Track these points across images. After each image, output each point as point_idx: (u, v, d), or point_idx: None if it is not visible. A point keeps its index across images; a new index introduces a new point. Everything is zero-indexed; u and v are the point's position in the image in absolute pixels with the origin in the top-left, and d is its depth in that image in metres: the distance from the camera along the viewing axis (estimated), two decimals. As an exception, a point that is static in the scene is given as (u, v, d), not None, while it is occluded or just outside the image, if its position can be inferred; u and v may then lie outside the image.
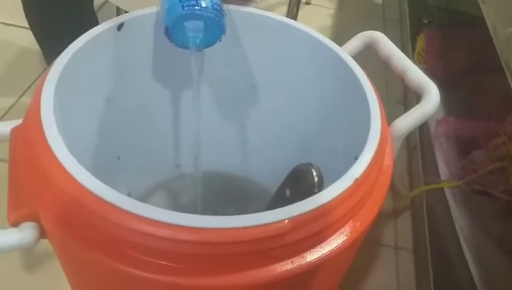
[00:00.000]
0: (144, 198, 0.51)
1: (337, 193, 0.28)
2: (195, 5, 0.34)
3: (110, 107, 0.43)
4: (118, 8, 0.82)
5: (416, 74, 0.39)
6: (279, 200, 0.36)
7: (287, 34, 0.43)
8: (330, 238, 0.29)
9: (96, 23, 0.80)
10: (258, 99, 0.48)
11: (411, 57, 0.89)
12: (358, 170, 0.30)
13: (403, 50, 1.00)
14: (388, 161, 0.34)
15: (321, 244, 0.28)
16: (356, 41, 0.42)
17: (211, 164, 0.54)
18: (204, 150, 0.52)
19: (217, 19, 0.35)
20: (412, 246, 0.71)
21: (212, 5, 0.35)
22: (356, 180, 0.29)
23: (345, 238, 0.29)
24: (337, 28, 1.14)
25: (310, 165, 0.33)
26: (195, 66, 0.38)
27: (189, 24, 0.35)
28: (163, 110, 0.47)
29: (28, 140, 0.32)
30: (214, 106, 0.49)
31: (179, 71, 0.43)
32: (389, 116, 0.38)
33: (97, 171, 0.43)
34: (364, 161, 0.31)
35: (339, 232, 0.29)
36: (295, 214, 0.27)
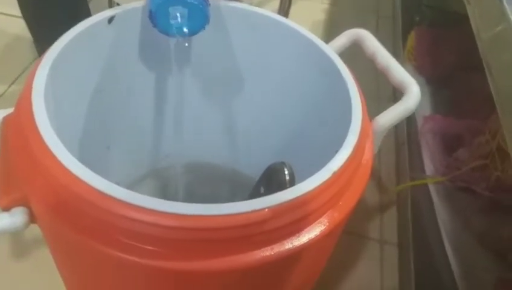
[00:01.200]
0: (131, 188, 0.52)
1: (315, 184, 0.30)
2: None
3: (101, 97, 0.43)
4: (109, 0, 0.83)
5: (398, 72, 0.40)
6: (255, 197, 0.38)
7: (275, 30, 0.44)
8: (309, 227, 0.30)
9: (89, 14, 0.80)
10: (245, 92, 0.49)
11: (402, 55, 0.90)
12: (336, 163, 0.31)
13: (394, 47, 1.02)
14: (368, 155, 0.36)
15: (300, 233, 0.30)
16: (343, 39, 0.44)
17: (199, 154, 0.55)
18: (192, 140, 0.53)
19: (201, 6, 0.36)
20: (397, 240, 0.73)
21: None
22: (334, 173, 0.31)
23: (323, 227, 0.30)
24: (330, 23, 1.15)
25: (283, 164, 0.34)
26: (174, 54, 0.39)
27: (173, 10, 0.36)
28: (153, 101, 0.48)
29: (19, 128, 0.32)
30: (201, 96, 0.50)
31: (168, 63, 0.44)
32: (379, 113, 0.39)
33: (86, 160, 0.44)
34: (343, 154, 0.32)
35: (317, 221, 0.31)
36: (275, 203, 0.28)
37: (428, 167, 0.70)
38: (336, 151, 0.36)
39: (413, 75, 0.91)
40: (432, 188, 0.67)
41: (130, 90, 0.46)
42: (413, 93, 0.39)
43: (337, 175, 0.31)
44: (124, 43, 0.42)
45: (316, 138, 0.44)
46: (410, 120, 0.76)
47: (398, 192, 0.73)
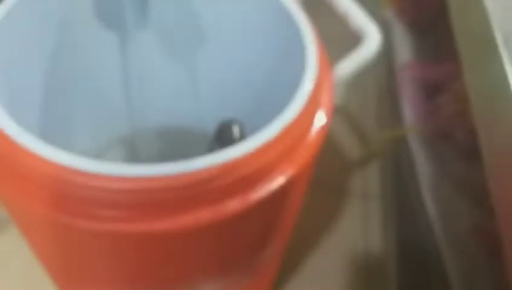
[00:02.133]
0: (99, 157, 0.51)
1: (264, 138, 0.28)
2: None
3: (55, 63, 0.42)
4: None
5: (357, 17, 0.38)
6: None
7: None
8: (260, 184, 0.29)
9: None
10: (209, 51, 0.47)
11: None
12: (287, 115, 0.30)
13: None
14: (327, 105, 0.34)
15: (253, 188, 0.29)
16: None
17: (167, 118, 0.54)
18: (159, 103, 0.52)
19: None
20: (380, 192, 0.73)
21: None
22: (285, 126, 0.29)
23: (276, 183, 0.30)
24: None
25: (232, 121, 0.33)
26: (131, 13, 0.37)
27: None
28: (114, 64, 0.46)
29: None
30: (164, 56, 0.48)
31: (126, 23, 0.42)
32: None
33: (49, 133, 0.44)
34: (295, 105, 0.30)
35: (268, 177, 0.30)
36: (224, 159, 0.27)
37: (410, 116, 0.68)
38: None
39: (394, 21, 0.88)
40: (413, 138, 0.66)
41: (88, 54, 0.44)
42: (372, 38, 0.37)
43: (288, 128, 0.30)
44: (78, 2, 0.40)
45: (280, 95, 0.43)
46: (390, 70, 0.74)
47: (380, 143, 0.72)
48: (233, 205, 0.28)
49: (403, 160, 0.68)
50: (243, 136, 0.33)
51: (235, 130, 0.32)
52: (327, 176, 0.73)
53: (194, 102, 0.53)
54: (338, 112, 0.79)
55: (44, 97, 0.43)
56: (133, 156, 0.55)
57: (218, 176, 0.27)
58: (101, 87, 0.48)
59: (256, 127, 0.49)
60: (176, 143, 0.56)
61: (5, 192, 0.28)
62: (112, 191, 0.26)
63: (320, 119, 0.33)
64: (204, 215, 0.28)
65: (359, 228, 0.69)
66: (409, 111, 0.68)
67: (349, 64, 0.37)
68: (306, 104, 0.31)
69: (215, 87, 0.51)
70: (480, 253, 0.53)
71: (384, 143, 0.70)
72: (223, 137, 0.34)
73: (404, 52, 0.77)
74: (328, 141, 0.76)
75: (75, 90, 0.46)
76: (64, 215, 0.27)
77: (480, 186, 0.58)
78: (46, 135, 0.43)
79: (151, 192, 0.26)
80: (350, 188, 0.73)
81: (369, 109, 0.79)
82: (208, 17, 0.46)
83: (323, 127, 0.33)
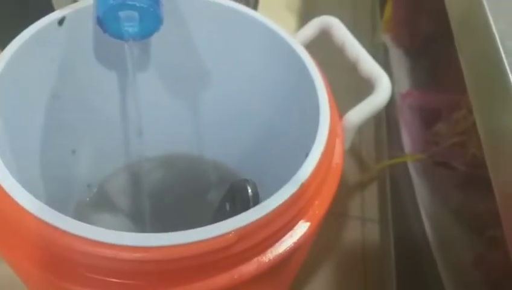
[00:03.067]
0: (103, 187, 0.51)
1: (282, 199, 0.29)
2: None
3: (58, 102, 0.41)
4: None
5: (368, 63, 0.39)
6: (220, 214, 0.37)
7: (239, 22, 0.41)
8: (276, 244, 0.29)
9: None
10: (212, 87, 0.47)
11: (380, 26, 0.88)
12: (304, 174, 0.30)
13: (373, 18, 0.99)
14: (338, 156, 0.34)
15: (267, 251, 0.29)
16: (309, 29, 0.41)
17: (168, 147, 0.53)
18: (160, 137, 0.52)
19: (151, 9, 0.34)
20: (378, 217, 0.73)
21: None
22: (302, 185, 0.30)
23: (291, 242, 0.30)
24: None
25: (246, 181, 0.33)
26: (131, 55, 0.37)
27: (123, 14, 0.34)
28: (117, 102, 0.46)
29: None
30: (166, 94, 0.48)
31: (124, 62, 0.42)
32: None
33: (52, 168, 0.43)
34: (310, 163, 0.31)
35: (285, 237, 0.30)
36: (240, 225, 0.27)
37: (407, 143, 0.69)
38: (306, 155, 0.35)
39: (391, 47, 0.89)
40: (411, 165, 0.67)
41: (91, 93, 0.43)
42: (383, 87, 0.37)
43: (305, 186, 0.30)
44: (79, 44, 0.39)
45: (285, 136, 0.43)
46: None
47: (379, 170, 0.72)
48: (249, 269, 0.28)
49: (402, 185, 0.68)
50: (256, 196, 0.33)
51: (249, 190, 0.33)
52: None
53: (196, 134, 0.53)
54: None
55: (47, 134, 0.42)
56: (136, 184, 0.55)
57: (234, 243, 0.27)
58: (103, 121, 0.48)
59: (259, 165, 0.49)
60: (178, 172, 0.56)
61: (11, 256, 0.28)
62: (122, 261, 0.26)
63: (334, 171, 0.34)
64: (218, 282, 0.27)
65: (357, 250, 0.70)
66: (407, 138, 0.69)
67: (361, 112, 0.37)
68: (320, 159, 0.31)
69: (216, 123, 0.51)
70: (481, 285, 0.54)
71: (383, 169, 0.71)
72: (235, 197, 0.34)
73: (401, 78, 0.78)
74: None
75: (76, 128, 0.46)
76: (72, 285, 0.27)
77: (480, 216, 0.59)
78: (48, 167, 0.42)
79: (164, 262, 0.26)
80: (348, 211, 0.74)
81: (367, 135, 0.80)
82: (212, 57, 0.46)
83: (336, 179, 0.33)
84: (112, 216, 0.50)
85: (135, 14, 0.34)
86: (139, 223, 0.50)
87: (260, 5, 0.92)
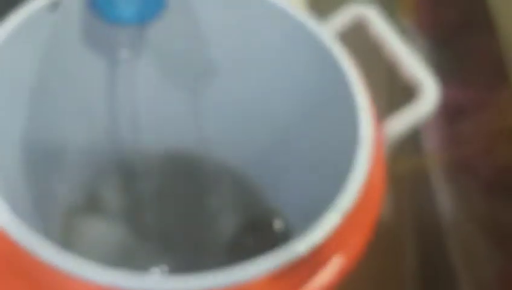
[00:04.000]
0: (95, 189, 0.46)
1: (322, 233, 0.24)
2: None
3: (46, 96, 0.36)
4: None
5: (412, 65, 0.33)
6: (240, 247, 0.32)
7: (256, 9, 0.36)
8: (310, 282, 0.25)
9: None
10: (222, 84, 0.41)
11: (397, 8, 0.81)
12: (346, 202, 0.25)
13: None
14: (379, 174, 0.30)
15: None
16: (341, 19, 0.36)
17: (166, 145, 0.48)
18: (159, 132, 0.47)
19: None
20: (394, 221, 0.69)
21: None
22: (345, 213, 0.25)
23: (328, 278, 0.25)
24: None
25: (274, 212, 0.28)
26: (128, 43, 0.32)
27: None
28: (110, 96, 0.41)
29: None
30: (165, 87, 0.42)
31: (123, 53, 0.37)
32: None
33: (38, 168, 0.38)
34: (352, 189, 0.26)
35: (322, 272, 0.25)
36: (274, 264, 0.22)
37: (429, 143, 0.65)
38: (339, 169, 0.30)
39: (411, 34, 0.83)
40: (431, 167, 0.62)
41: (82, 87, 0.38)
42: (428, 93, 0.32)
43: (347, 216, 0.25)
44: (71, 32, 0.34)
45: (308, 143, 0.38)
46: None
47: (397, 170, 0.68)
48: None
49: (421, 186, 0.64)
50: (288, 230, 0.28)
51: (278, 225, 0.28)
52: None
53: (201, 133, 0.48)
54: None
55: (33, 130, 0.37)
56: (129, 186, 0.50)
57: (267, 286, 0.22)
58: (96, 117, 0.43)
59: (272, 171, 0.44)
60: (177, 173, 0.51)
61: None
62: None
63: (374, 193, 0.29)
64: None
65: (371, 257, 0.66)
66: (429, 137, 0.65)
67: (401, 122, 0.32)
68: (361, 185, 0.26)
69: (226, 121, 0.46)
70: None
71: (401, 171, 0.66)
72: (259, 230, 0.29)
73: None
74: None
75: (67, 122, 0.41)
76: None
77: (506, 227, 0.55)
78: (34, 167, 0.38)
79: None
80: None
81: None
82: (222, 48, 0.40)
83: (376, 205, 0.29)
84: (104, 220, 0.45)
85: None
86: (133, 228, 0.46)
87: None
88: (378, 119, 0.31)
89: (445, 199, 0.59)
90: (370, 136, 0.28)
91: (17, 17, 0.31)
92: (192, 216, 0.46)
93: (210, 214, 0.45)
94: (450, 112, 0.66)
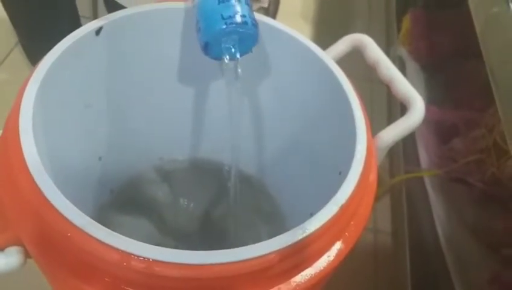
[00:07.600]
0: (126, 191, 0.51)
1: (323, 221, 0.29)
2: (236, 22, 0.34)
3: (90, 111, 0.41)
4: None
5: (402, 85, 0.39)
6: None
7: (273, 37, 0.41)
8: (314, 265, 0.29)
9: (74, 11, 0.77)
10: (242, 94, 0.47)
11: (396, 38, 0.88)
12: (343, 196, 0.30)
13: (388, 30, 0.99)
14: (372, 176, 0.35)
15: (305, 271, 0.29)
16: (341, 45, 0.42)
17: (196, 156, 0.53)
18: (188, 140, 0.52)
19: (251, 32, 0.35)
20: (391, 229, 0.74)
21: (252, 21, 0.35)
22: (342, 206, 0.30)
23: (328, 262, 0.30)
24: (321, 8, 1.11)
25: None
26: (228, 73, 0.38)
27: (226, 38, 0.35)
28: (148, 109, 0.46)
29: (7, 159, 0.31)
30: (196, 99, 0.48)
31: (158, 71, 0.43)
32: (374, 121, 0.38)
33: (78, 173, 0.43)
34: (349, 186, 0.31)
35: (323, 257, 0.30)
36: (282, 246, 0.27)
37: (423, 158, 0.69)
38: (340, 173, 0.36)
39: (407, 60, 0.89)
40: (427, 179, 0.67)
41: (122, 103, 0.44)
42: (417, 108, 0.37)
43: (344, 207, 0.30)
44: (115, 54, 0.40)
45: (313, 150, 0.43)
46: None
47: (393, 183, 0.73)
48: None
49: (417, 199, 0.69)
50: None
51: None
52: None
53: (225, 142, 0.53)
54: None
55: (77, 141, 0.42)
56: (159, 189, 0.55)
57: (275, 264, 0.27)
58: (131, 129, 0.48)
59: (281, 178, 0.49)
60: (202, 177, 0.56)
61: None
62: (160, 277, 0.26)
63: (368, 192, 0.34)
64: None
65: (370, 262, 0.70)
66: (424, 153, 0.70)
67: (394, 132, 0.37)
68: (359, 180, 0.32)
69: (246, 132, 0.51)
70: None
71: (397, 183, 0.71)
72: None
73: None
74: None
75: (107, 134, 0.46)
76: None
77: (496, 233, 0.60)
78: (75, 172, 0.42)
79: (204, 281, 0.26)
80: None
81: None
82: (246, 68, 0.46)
83: (370, 200, 0.34)
84: (134, 219, 0.50)
85: (236, 37, 0.35)
86: (162, 227, 0.50)
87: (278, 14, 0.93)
88: (371, 129, 0.37)
89: (439, 209, 0.63)
90: (365, 143, 0.33)
91: (66, 41, 0.36)
92: (215, 216, 0.51)
93: (230, 214, 0.49)
94: (444, 131, 0.72)
